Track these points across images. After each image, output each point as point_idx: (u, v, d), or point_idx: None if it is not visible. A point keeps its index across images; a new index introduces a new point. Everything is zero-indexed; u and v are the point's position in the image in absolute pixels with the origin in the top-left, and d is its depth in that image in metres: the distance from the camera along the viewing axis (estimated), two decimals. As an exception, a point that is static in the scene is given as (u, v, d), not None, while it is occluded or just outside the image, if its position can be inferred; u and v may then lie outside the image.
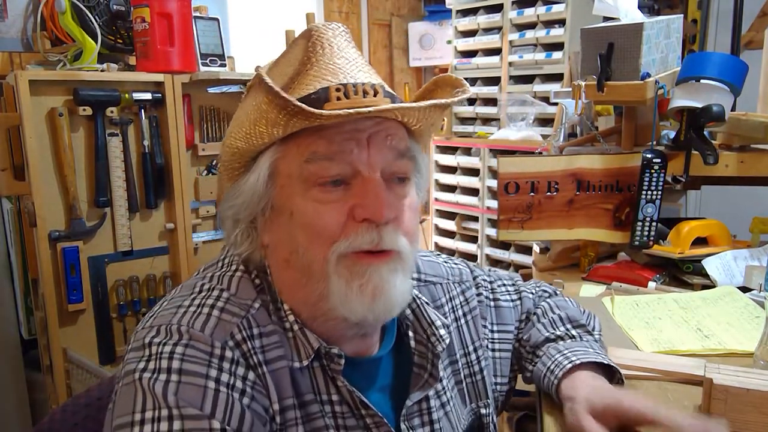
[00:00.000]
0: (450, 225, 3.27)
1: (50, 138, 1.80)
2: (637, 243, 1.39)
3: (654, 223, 1.38)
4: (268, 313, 0.70)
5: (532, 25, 2.87)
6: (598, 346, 0.87)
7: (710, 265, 1.32)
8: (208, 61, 2.06)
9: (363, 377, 0.74)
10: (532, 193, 1.45)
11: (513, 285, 0.97)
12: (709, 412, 0.78)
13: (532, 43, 2.85)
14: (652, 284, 1.33)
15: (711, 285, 1.30)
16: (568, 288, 1.35)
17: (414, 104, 0.66)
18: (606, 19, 1.55)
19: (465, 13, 3.13)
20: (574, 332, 0.88)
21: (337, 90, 0.64)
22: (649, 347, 1.03)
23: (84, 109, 1.80)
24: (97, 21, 1.87)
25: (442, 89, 0.75)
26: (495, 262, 3.11)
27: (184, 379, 0.60)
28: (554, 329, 0.89)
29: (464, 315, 0.87)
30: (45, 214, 1.80)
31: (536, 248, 1.69)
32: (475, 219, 3.13)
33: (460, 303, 0.87)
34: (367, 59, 0.72)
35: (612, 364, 0.82)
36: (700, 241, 1.41)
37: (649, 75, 1.36)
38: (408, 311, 0.79)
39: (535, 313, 0.94)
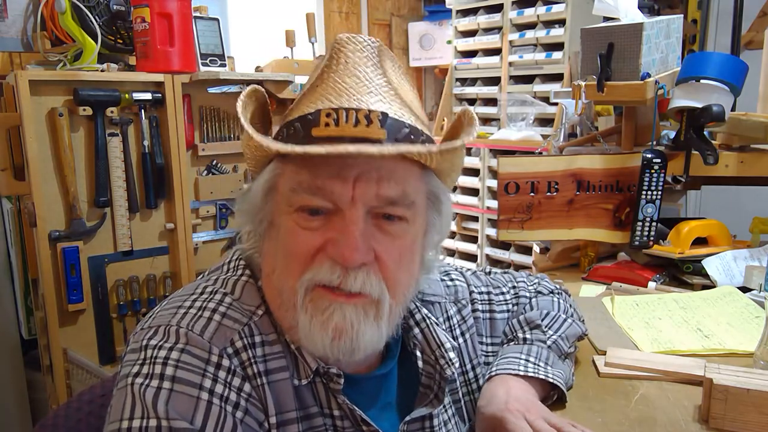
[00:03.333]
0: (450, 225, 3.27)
1: (50, 138, 1.80)
2: (637, 243, 1.39)
3: (654, 223, 1.38)
4: (272, 322, 0.68)
5: (532, 25, 2.87)
6: (536, 350, 0.85)
7: (710, 265, 1.32)
8: (208, 61, 2.06)
9: (363, 394, 0.72)
10: (532, 193, 1.45)
11: (513, 289, 0.95)
12: (709, 412, 0.78)
13: (532, 43, 2.85)
14: (652, 284, 1.33)
15: (711, 285, 1.30)
16: (568, 288, 1.35)
17: (399, 148, 0.59)
18: (606, 19, 1.55)
19: (465, 13, 3.13)
20: (527, 335, 0.88)
21: (328, 115, 0.61)
22: (649, 347, 1.03)
23: (84, 109, 1.80)
24: (97, 21, 1.87)
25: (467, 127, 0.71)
26: (495, 262, 3.11)
27: (176, 388, 0.58)
28: (513, 331, 0.90)
29: (462, 334, 0.85)
30: (45, 214, 1.80)
31: (536, 248, 1.69)
32: (475, 219, 3.13)
33: (458, 322, 0.85)
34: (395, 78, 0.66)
35: (528, 372, 0.81)
36: (700, 241, 1.41)
37: (649, 75, 1.36)
38: (417, 330, 0.77)
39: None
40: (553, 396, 0.84)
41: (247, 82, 2.11)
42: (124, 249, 1.97)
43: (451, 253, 3.35)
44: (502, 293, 0.93)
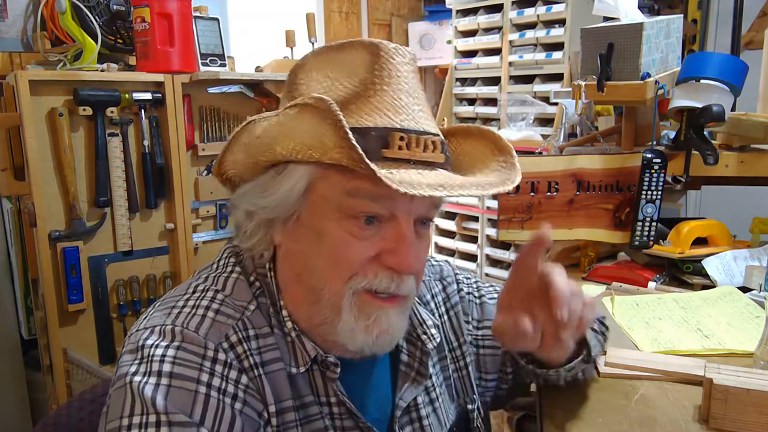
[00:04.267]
0: (450, 225, 3.27)
1: (50, 138, 1.80)
2: (637, 243, 1.39)
3: (654, 223, 1.38)
4: (265, 315, 0.69)
5: (532, 25, 2.87)
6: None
7: (710, 265, 1.32)
8: (208, 61, 2.06)
9: (359, 377, 0.74)
10: (532, 193, 1.45)
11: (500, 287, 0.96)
12: (709, 412, 0.78)
13: (532, 43, 2.85)
14: (652, 284, 1.33)
15: (711, 285, 1.30)
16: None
17: (477, 192, 0.65)
18: (606, 19, 1.55)
19: (465, 13, 3.13)
20: None
21: (401, 139, 0.63)
22: (649, 347, 1.03)
23: (84, 109, 1.80)
24: (97, 21, 1.87)
25: (477, 138, 0.76)
26: (495, 262, 3.11)
27: (174, 383, 0.60)
28: None
29: (447, 312, 0.87)
30: (45, 214, 1.80)
31: (536, 248, 1.68)
32: (475, 219, 3.13)
33: (443, 300, 0.88)
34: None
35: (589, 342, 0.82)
36: (700, 241, 1.41)
37: (649, 75, 1.36)
38: None
39: None
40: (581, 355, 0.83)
41: (247, 82, 2.12)
42: (124, 249, 1.97)
43: (451, 253, 3.35)
44: (492, 286, 0.94)
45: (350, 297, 0.66)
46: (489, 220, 3.04)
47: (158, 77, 1.93)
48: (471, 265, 3.23)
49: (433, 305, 0.86)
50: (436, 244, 3.40)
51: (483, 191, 0.66)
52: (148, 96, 1.91)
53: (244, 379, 0.64)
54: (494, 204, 2.80)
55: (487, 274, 3.14)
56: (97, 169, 1.86)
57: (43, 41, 1.92)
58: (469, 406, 0.85)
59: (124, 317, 2.00)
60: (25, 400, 2.09)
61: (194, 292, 0.69)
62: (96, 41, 1.86)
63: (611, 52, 1.38)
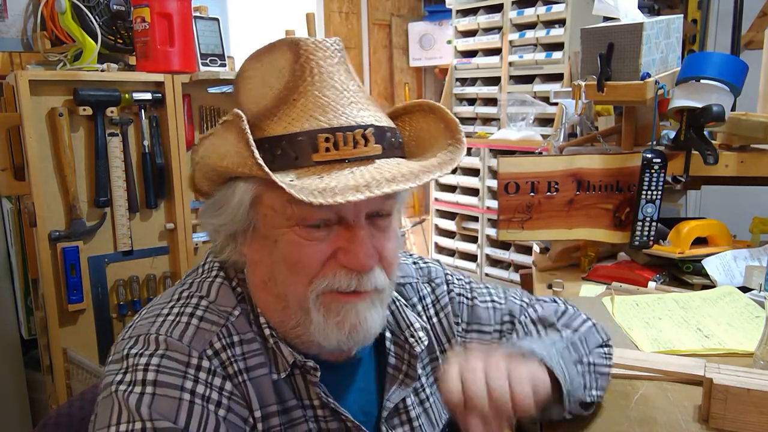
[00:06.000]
0: (450, 225, 3.27)
1: (50, 138, 1.80)
2: (637, 243, 1.39)
3: (654, 223, 1.38)
4: (248, 321, 0.70)
5: (532, 25, 2.87)
6: (549, 343, 0.78)
7: (710, 265, 1.32)
8: (208, 61, 2.06)
9: (341, 380, 0.74)
10: (532, 193, 1.45)
11: (498, 289, 0.93)
12: (709, 412, 0.78)
13: (532, 43, 2.85)
14: (652, 284, 1.33)
15: (711, 285, 1.30)
16: (568, 288, 1.35)
17: (409, 184, 0.61)
18: (606, 19, 1.55)
19: (465, 13, 3.13)
20: (542, 332, 0.86)
21: (326, 140, 0.62)
22: (649, 347, 1.03)
23: (84, 109, 1.80)
24: (97, 21, 1.87)
25: (426, 114, 0.73)
26: (495, 262, 3.11)
27: (158, 391, 0.60)
28: (524, 327, 0.87)
29: (436, 314, 0.86)
30: (45, 214, 1.80)
31: (536, 248, 1.69)
32: (475, 219, 3.13)
33: (432, 302, 0.86)
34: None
35: (543, 359, 0.72)
36: (700, 241, 1.41)
37: (649, 75, 1.36)
38: (387, 313, 0.77)
39: (521, 322, 0.88)
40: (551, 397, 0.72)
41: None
42: (124, 249, 1.97)
43: (451, 253, 3.36)
44: (487, 287, 0.91)
45: (315, 299, 0.66)
46: (489, 220, 3.04)
47: (158, 77, 1.93)
48: (471, 265, 3.23)
49: (420, 308, 0.84)
50: (436, 244, 3.40)
51: (414, 182, 0.61)
52: (148, 96, 1.91)
53: (228, 385, 0.65)
54: (494, 204, 2.80)
55: (487, 274, 3.14)
56: (97, 169, 1.86)
57: (43, 41, 1.92)
58: None
59: (124, 317, 2.00)
60: (25, 400, 2.09)
61: (179, 299, 0.70)
62: (96, 41, 1.86)
63: (611, 52, 1.38)
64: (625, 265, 1.45)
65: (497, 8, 2.97)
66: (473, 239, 3.19)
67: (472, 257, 3.22)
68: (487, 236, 3.09)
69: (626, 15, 1.47)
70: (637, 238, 1.39)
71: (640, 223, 1.38)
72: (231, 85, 2.06)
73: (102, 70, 1.86)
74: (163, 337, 0.64)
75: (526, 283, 1.65)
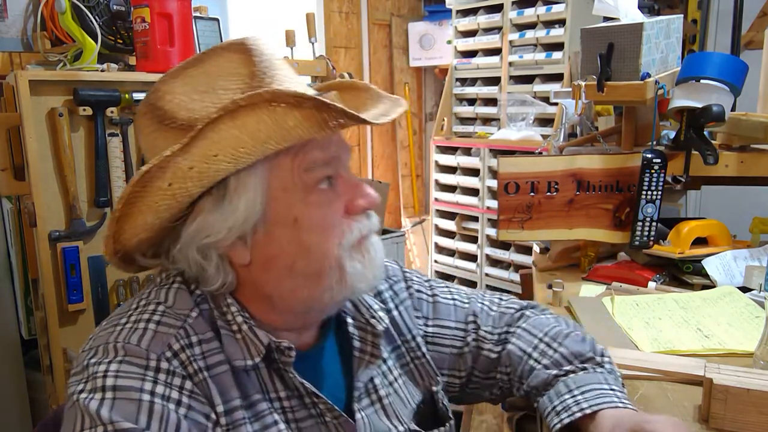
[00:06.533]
0: (450, 225, 3.27)
1: (50, 138, 1.79)
2: (637, 243, 1.39)
3: (654, 223, 1.38)
4: (208, 321, 0.70)
5: (532, 25, 2.87)
6: (613, 379, 0.79)
7: (710, 265, 1.32)
8: (208, 61, 2.06)
9: (309, 368, 0.75)
10: (532, 193, 1.45)
11: (460, 289, 0.95)
12: (709, 412, 0.78)
13: (532, 43, 2.86)
14: (652, 284, 1.33)
15: (711, 285, 1.30)
16: (568, 288, 1.35)
17: (399, 110, 0.74)
18: (606, 19, 1.55)
19: (465, 13, 3.13)
20: (585, 366, 0.81)
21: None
22: (649, 347, 1.03)
23: (84, 109, 1.80)
24: (97, 21, 1.87)
25: (348, 90, 0.81)
26: (495, 262, 3.11)
27: (118, 395, 0.61)
28: (558, 366, 0.81)
29: (396, 307, 0.89)
30: (45, 214, 1.80)
31: (536, 248, 1.69)
32: (475, 219, 3.13)
33: (390, 296, 0.89)
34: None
35: (627, 405, 0.74)
36: (700, 241, 1.41)
37: (649, 75, 1.36)
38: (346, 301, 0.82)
39: (513, 336, 0.88)
40: None
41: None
42: (124, 249, 1.97)
43: (451, 253, 3.36)
44: (447, 287, 0.94)
45: (349, 251, 0.71)
46: (489, 220, 3.04)
47: (158, 77, 1.92)
48: (471, 265, 3.23)
49: (379, 301, 0.87)
50: (436, 244, 3.40)
51: (403, 107, 0.74)
52: (148, 96, 1.91)
53: (188, 384, 0.66)
54: (494, 204, 2.80)
55: (487, 274, 3.14)
56: (97, 169, 1.86)
57: (43, 41, 1.92)
58: (434, 388, 0.86)
59: (124, 317, 2.00)
60: (25, 400, 2.09)
61: (136, 308, 0.71)
62: (96, 41, 1.86)
63: (611, 52, 1.38)
64: (625, 265, 1.45)
65: (497, 8, 2.97)
66: (473, 239, 3.19)
67: (472, 257, 3.22)
68: (487, 236, 3.09)
69: (626, 15, 1.47)
70: (637, 238, 1.39)
71: (640, 223, 1.38)
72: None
73: (102, 70, 1.86)
74: (121, 344, 0.65)
75: (526, 283, 1.65)
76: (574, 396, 0.76)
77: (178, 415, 0.63)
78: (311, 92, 0.69)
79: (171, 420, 0.62)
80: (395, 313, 0.88)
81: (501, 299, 0.95)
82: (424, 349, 0.87)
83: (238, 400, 0.68)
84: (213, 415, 0.66)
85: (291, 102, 0.63)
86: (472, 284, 3.26)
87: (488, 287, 3.15)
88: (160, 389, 0.63)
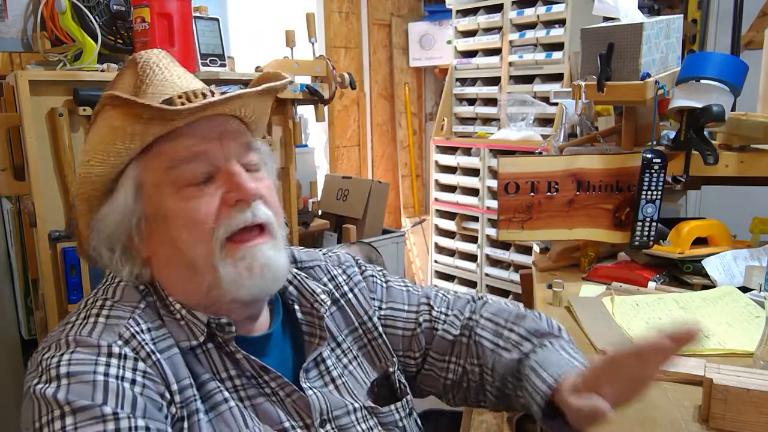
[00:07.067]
0: (450, 225, 3.27)
1: (50, 138, 1.79)
2: (637, 243, 1.39)
3: (654, 223, 1.38)
4: (154, 312, 0.73)
5: (532, 25, 2.87)
6: (570, 347, 0.82)
7: (710, 265, 1.32)
8: (208, 61, 2.06)
9: (259, 352, 0.77)
10: (532, 193, 1.45)
11: (413, 283, 0.99)
12: (709, 412, 0.79)
13: (532, 43, 2.86)
14: (652, 284, 1.33)
15: (711, 285, 1.30)
16: (568, 288, 1.35)
17: (253, 89, 0.73)
18: (606, 19, 1.55)
19: (465, 13, 3.13)
20: (543, 342, 0.84)
21: (179, 97, 0.70)
22: (649, 347, 1.03)
23: (84, 109, 1.80)
24: (97, 21, 1.87)
25: (267, 81, 0.81)
26: (495, 262, 3.11)
27: (72, 381, 0.63)
28: (519, 346, 0.84)
29: (351, 290, 0.91)
30: (45, 214, 1.80)
31: (536, 248, 1.69)
32: (475, 219, 3.13)
33: (344, 280, 0.92)
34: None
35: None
36: (700, 241, 1.41)
37: (649, 75, 1.36)
38: (291, 288, 0.85)
39: (477, 327, 0.89)
40: None
41: (247, 83, 2.11)
42: (124, 249, 1.97)
43: (451, 253, 3.36)
44: (401, 279, 0.98)
45: (220, 251, 0.71)
46: (489, 220, 3.04)
47: (158, 77, 1.92)
48: (471, 265, 3.23)
49: (332, 286, 0.90)
50: (436, 244, 3.40)
51: (254, 89, 0.73)
52: (148, 96, 1.91)
53: (141, 365, 0.67)
54: (494, 204, 2.80)
55: (487, 274, 3.14)
56: (97, 169, 1.86)
57: (43, 41, 1.92)
58: (390, 369, 0.88)
59: (124, 317, 2.00)
60: (25, 400, 2.08)
61: (85, 306, 0.73)
62: (96, 41, 1.86)
63: (611, 52, 1.38)
64: (625, 265, 1.45)
65: (497, 8, 2.97)
66: (473, 239, 3.19)
67: (472, 257, 3.22)
68: (487, 236, 3.09)
69: (626, 15, 1.47)
70: (637, 238, 1.39)
71: (640, 223, 1.38)
72: (231, 85, 2.07)
73: (102, 70, 1.86)
74: (72, 338, 0.67)
75: (526, 283, 1.65)
76: (540, 376, 0.77)
77: (134, 393, 0.64)
78: (180, 90, 0.72)
79: (127, 395, 0.63)
80: (350, 295, 0.90)
81: (456, 292, 1.00)
82: (380, 329, 0.90)
83: (188, 379, 0.70)
84: (167, 395, 0.68)
85: (112, 103, 0.68)
86: (472, 284, 3.26)
87: (488, 287, 3.15)
88: (113, 371, 0.65)
